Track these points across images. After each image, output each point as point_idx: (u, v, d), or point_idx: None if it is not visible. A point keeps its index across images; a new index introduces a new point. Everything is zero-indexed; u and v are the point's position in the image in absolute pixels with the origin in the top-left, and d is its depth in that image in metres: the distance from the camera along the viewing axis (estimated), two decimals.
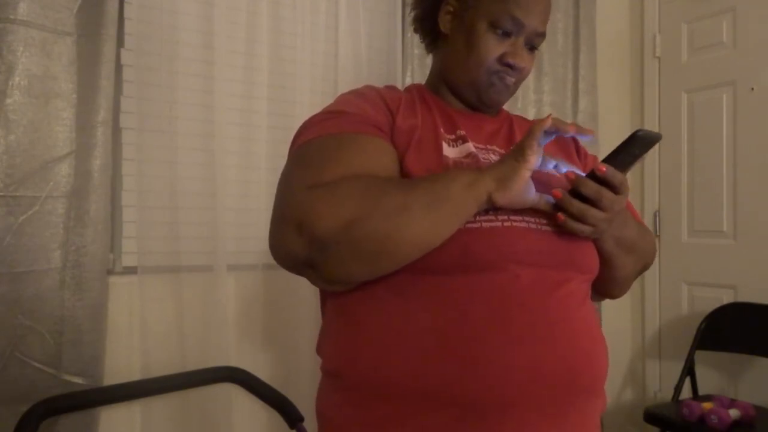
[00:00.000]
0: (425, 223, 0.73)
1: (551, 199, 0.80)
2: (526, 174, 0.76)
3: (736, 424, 1.89)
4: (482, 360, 0.74)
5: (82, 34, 1.56)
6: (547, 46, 2.36)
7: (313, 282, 0.81)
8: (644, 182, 2.67)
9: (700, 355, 2.27)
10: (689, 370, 2.25)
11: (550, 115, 0.76)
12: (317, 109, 0.91)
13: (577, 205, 0.78)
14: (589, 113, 2.46)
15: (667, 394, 2.38)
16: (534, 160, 0.76)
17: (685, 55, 2.56)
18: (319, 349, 0.90)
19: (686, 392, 2.25)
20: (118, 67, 1.66)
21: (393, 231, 0.72)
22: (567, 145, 1.01)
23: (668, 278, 2.59)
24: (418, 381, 0.75)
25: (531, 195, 0.79)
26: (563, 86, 2.42)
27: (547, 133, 0.76)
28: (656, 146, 2.76)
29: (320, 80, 1.98)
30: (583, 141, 0.87)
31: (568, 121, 2.39)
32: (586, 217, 0.78)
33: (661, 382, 2.60)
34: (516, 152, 0.77)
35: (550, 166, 0.81)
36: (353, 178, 0.75)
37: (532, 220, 0.81)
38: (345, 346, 0.83)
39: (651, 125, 2.64)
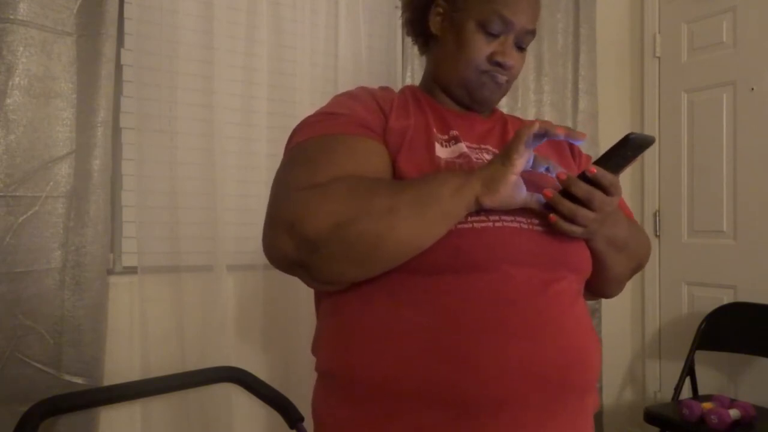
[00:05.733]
0: (414, 226, 0.74)
1: (542, 199, 0.81)
2: (513, 177, 0.77)
3: (736, 424, 1.89)
4: (474, 359, 0.74)
5: (82, 34, 1.56)
6: (547, 46, 2.37)
7: (305, 282, 0.82)
8: (644, 182, 2.67)
9: (700, 355, 2.27)
10: (689, 370, 2.25)
11: (537, 120, 0.76)
12: (317, 109, 0.91)
13: (567, 205, 0.78)
14: (589, 113, 2.46)
15: (667, 394, 2.38)
16: (520, 164, 0.76)
17: (685, 55, 2.56)
18: (314, 350, 0.91)
19: (686, 392, 2.25)
20: (118, 67, 1.66)
21: (382, 232, 0.72)
22: (560, 145, 1.01)
23: (668, 278, 2.59)
24: (410, 380, 0.75)
25: (521, 195, 0.79)
26: (563, 86, 2.42)
27: (537, 136, 0.76)
28: (656, 146, 2.76)
29: (320, 80, 1.98)
30: (578, 144, 0.87)
31: (568, 121, 2.39)
32: (576, 217, 0.78)
33: (661, 382, 2.61)
34: (503, 156, 0.77)
35: (542, 169, 0.82)
36: (343, 179, 0.76)
37: (524, 220, 0.82)
38: (338, 347, 0.83)
39: (651, 125, 2.64)
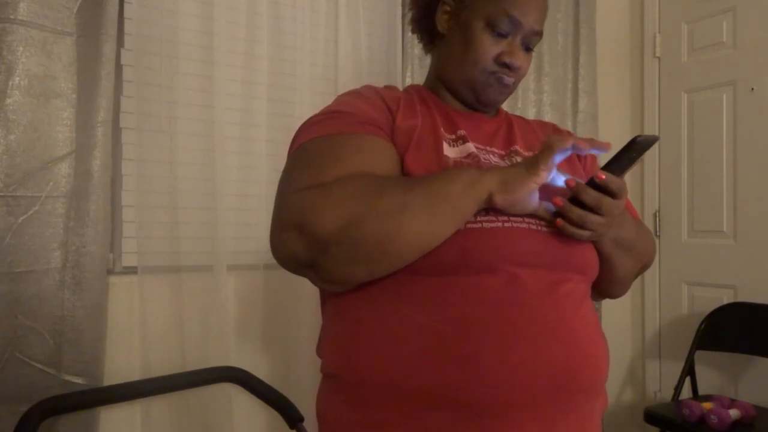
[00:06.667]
0: (424, 223, 0.73)
1: (551, 207, 0.81)
2: (533, 186, 0.76)
3: (736, 424, 1.89)
4: (480, 361, 0.74)
5: (82, 34, 1.56)
6: (547, 46, 2.36)
7: (313, 282, 0.81)
8: (644, 182, 2.67)
9: (700, 355, 2.27)
10: (689, 370, 2.25)
11: (573, 135, 0.76)
12: (317, 109, 0.91)
13: (577, 213, 0.79)
14: (589, 113, 2.46)
15: (667, 394, 2.38)
16: (545, 176, 0.76)
17: (685, 55, 2.56)
18: (319, 351, 0.91)
19: (686, 392, 2.25)
20: (118, 67, 1.66)
21: (392, 231, 0.72)
22: None
23: (668, 278, 2.59)
24: (416, 382, 0.75)
25: (532, 203, 0.79)
26: (563, 86, 2.42)
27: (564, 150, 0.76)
28: (656, 146, 2.76)
29: (320, 80, 1.98)
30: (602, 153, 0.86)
31: (568, 121, 2.39)
32: (585, 223, 0.79)
33: (661, 382, 2.60)
34: (529, 164, 0.77)
35: (560, 182, 0.81)
36: (352, 177, 0.75)
37: (532, 221, 0.81)
38: (343, 348, 0.83)
39: (651, 125, 2.64)
